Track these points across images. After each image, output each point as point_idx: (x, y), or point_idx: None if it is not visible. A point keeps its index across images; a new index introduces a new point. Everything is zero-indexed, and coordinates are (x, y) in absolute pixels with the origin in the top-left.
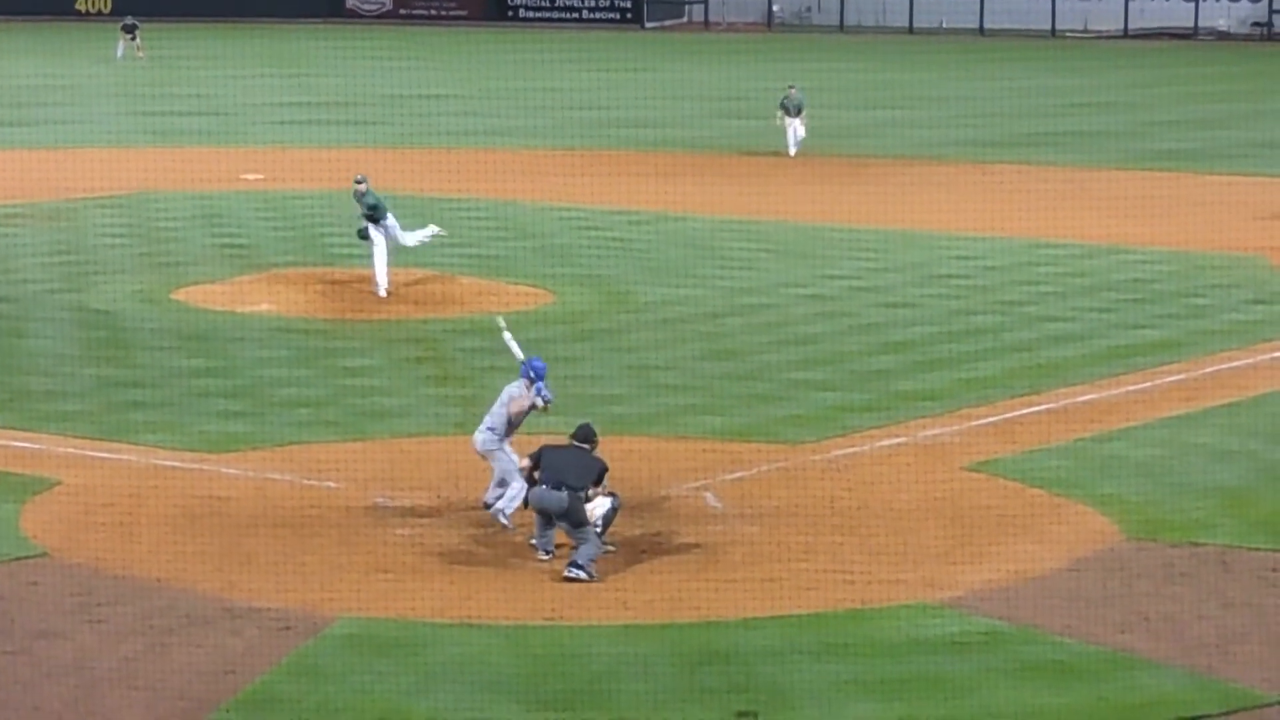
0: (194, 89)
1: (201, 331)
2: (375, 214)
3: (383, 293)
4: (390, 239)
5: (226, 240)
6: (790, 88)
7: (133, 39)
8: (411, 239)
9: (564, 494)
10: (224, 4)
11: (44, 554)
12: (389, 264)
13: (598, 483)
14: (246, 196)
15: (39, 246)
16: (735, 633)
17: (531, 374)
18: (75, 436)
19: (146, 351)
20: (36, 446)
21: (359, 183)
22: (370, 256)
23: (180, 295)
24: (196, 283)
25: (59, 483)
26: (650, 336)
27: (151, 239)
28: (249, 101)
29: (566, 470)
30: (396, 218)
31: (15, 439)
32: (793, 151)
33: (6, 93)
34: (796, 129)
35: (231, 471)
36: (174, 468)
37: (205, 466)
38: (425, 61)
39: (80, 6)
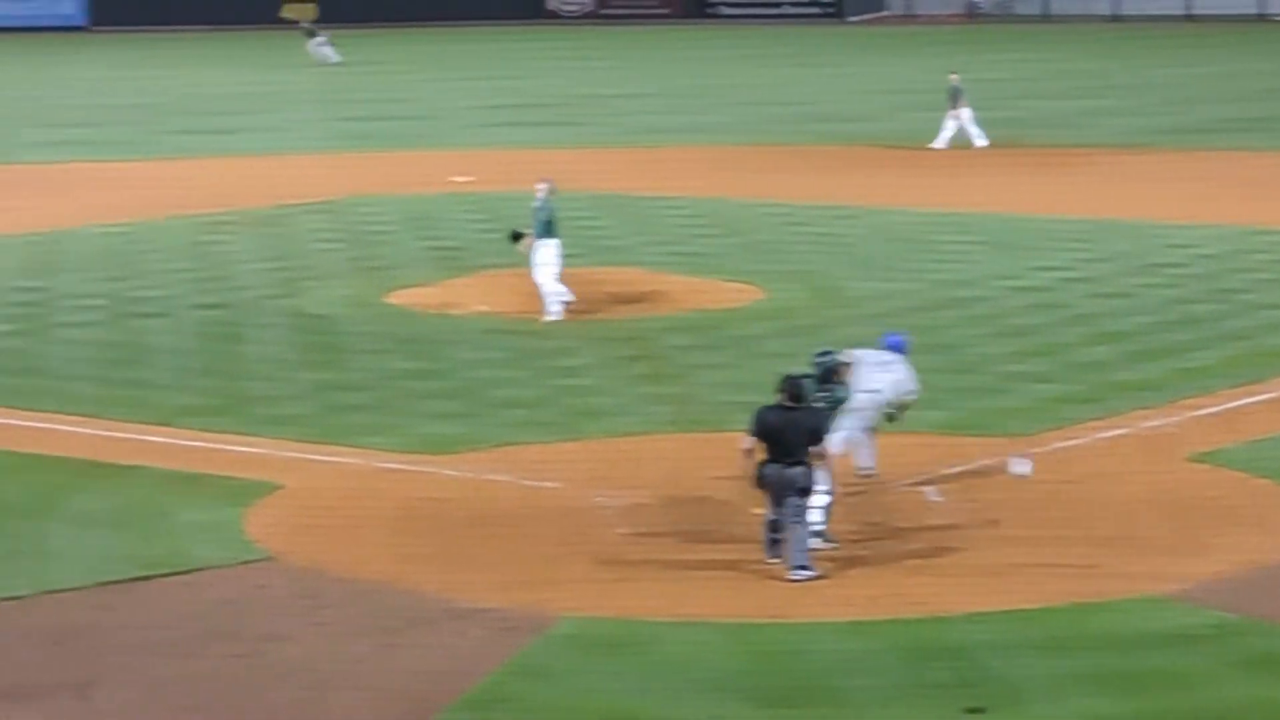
0: (396, 93)
1: (415, 334)
2: (551, 228)
3: (568, 301)
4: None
5: (436, 243)
6: (951, 74)
7: (320, 39)
8: (546, 281)
9: (799, 470)
10: (423, 8)
11: (269, 557)
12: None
13: (817, 439)
14: (455, 199)
15: (251, 253)
16: (961, 628)
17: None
18: (295, 440)
19: (362, 355)
20: (257, 451)
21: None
22: (539, 268)
23: (393, 299)
24: (408, 286)
25: (281, 486)
26: (862, 331)
27: (362, 243)
28: (452, 105)
29: (796, 445)
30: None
31: (236, 444)
32: (945, 143)
33: (212, 100)
34: (963, 119)
35: (450, 473)
36: (393, 469)
37: (424, 468)
38: (626, 60)
39: (286, 15)
